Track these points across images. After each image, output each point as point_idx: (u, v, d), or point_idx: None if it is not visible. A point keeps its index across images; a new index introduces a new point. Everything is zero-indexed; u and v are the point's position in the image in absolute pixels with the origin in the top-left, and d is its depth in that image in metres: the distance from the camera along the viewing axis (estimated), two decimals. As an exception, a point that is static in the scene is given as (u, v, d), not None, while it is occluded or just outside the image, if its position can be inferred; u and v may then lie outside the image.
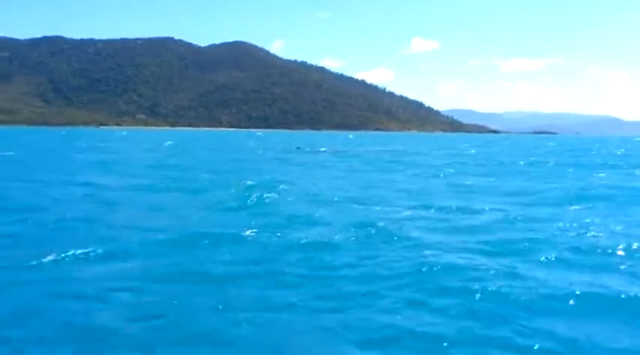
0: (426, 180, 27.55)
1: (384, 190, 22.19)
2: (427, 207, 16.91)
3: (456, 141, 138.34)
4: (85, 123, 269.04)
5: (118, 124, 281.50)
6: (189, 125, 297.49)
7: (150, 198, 19.11)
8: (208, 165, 36.52)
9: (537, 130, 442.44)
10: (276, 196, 18.54)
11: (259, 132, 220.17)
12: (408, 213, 15.96)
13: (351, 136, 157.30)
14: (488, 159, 49.10)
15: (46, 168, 31.96)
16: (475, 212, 16.25)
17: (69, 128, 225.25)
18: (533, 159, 49.53)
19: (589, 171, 34.85)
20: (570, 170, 35.66)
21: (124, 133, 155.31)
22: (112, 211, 16.15)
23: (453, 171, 34.20)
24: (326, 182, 25.45)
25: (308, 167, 36.89)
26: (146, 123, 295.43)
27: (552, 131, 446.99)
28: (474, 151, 68.96)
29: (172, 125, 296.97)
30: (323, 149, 64.87)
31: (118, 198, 19.09)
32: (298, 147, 68.53)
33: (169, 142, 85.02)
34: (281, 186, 21.10)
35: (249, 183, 21.97)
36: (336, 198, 18.42)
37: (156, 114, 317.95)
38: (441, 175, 30.59)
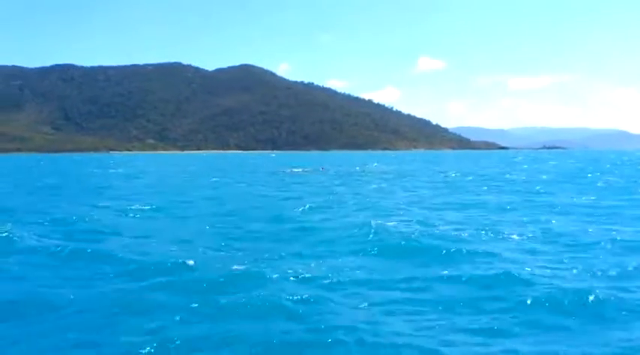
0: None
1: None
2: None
3: (488, 158, 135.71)
4: (96, 149, 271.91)
5: (127, 149, 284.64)
6: (198, 148, 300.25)
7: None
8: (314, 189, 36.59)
9: (546, 145, 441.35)
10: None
11: (273, 153, 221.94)
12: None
13: (375, 164, 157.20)
14: (570, 176, 49.50)
15: (100, 194, 33.36)
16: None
17: (82, 154, 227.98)
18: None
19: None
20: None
21: (140, 157, 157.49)
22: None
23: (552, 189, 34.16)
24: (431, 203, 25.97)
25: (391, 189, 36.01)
26: (155, 148, 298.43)
27: (561, 146, 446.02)
28: (526, 166, 70.92)
29: (182, 149, 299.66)
30: (377, 164, 66.01)
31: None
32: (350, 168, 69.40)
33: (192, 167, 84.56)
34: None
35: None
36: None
37: (165, 139, 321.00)
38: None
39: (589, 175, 45.24)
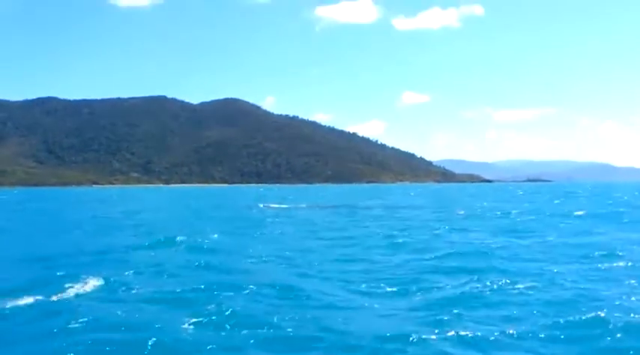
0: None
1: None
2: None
3: (485, 190, 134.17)
4: (79, 183, 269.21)
5: (110, 183, 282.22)
6: (183, 182, 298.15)
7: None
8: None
9: (531, 178, 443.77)
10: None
11: (261, 187, 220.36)
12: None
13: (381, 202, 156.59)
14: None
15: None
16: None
17: (66, 188, 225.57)
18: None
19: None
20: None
21: (132, 191, 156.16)
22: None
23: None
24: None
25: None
26: (139, 181, 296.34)
27: (545, 178, 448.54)
28: (557, 201, 68.69)
29: (166, 182, 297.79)
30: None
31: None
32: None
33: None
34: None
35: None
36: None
37: (149, 172, 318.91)
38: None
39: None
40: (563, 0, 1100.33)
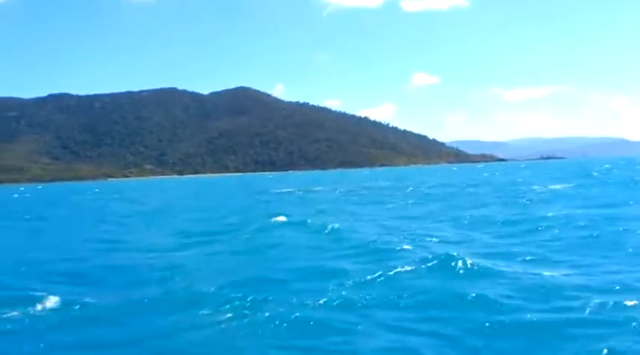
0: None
1: None
2: None
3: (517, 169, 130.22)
4: (94, 177, 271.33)
5: (125, 176, 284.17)
6: (196, 172, 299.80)
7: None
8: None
9: (544, 155, 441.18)
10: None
11: (271, 175, 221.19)
12: None
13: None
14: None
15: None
16: None
17: (82, 182, 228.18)
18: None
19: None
20: None
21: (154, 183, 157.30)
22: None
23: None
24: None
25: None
26: (153, 173, 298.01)
27: (559, 155, 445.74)
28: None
29: (180, 173, 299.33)
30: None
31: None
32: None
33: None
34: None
35: None
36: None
37: (163, 164, 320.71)
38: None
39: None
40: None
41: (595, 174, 69.86)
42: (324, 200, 47.12)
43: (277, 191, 68.89)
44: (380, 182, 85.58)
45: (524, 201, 34.33)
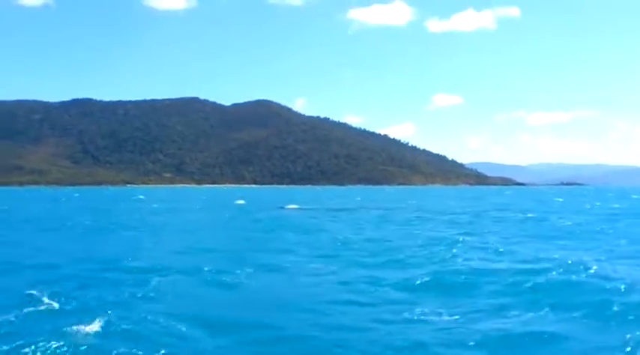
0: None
1: None
2: None
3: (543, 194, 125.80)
4: (113, 182, 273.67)
5: (144, 183, 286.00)
6: (214, 182, 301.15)
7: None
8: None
9: (564, 182, 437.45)
10: None
11: (287, 187, 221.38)
12: None
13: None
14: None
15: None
16: None
17: (104, 187, 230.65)
18: None
19: None
20: None
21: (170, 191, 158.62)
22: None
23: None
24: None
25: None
26: (172, 181, 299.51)
27: (579, 182, 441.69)
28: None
29: (198, 183, 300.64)
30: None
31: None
32: None
33: (241, 201, 79.53)
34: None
35: None
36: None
37: (182, 172, 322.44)
38: None
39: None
40: (600, 1, 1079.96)
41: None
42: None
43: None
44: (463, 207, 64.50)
45: None
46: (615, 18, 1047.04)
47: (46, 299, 12.47)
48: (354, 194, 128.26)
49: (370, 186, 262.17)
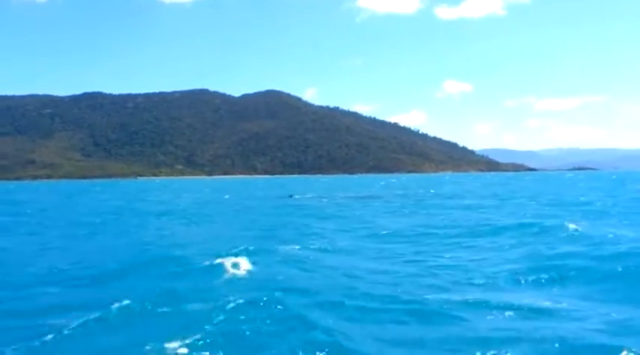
0: None
1: None
2: None
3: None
4: (124, 175, 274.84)
5: (155, 175, 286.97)
6: (225, 173, 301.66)
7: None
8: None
9: (576, 167, 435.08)
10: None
11: (300, 177, 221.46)
12: None
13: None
14: None
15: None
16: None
17: (116, 180, 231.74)
18: None
19: None
20: None
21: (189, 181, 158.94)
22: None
23: None
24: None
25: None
26: (183, 173, 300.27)
27: (591, 167, 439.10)
28: None
29: (209, 174, 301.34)
30: None
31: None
32: None
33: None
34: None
35: None
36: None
37: (193, 164, 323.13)
38: None
39: None
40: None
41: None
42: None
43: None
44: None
45: None
46: (625, 4, 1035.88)
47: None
48: (373, 182, 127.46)
49: (381, 175, 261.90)
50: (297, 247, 18.38)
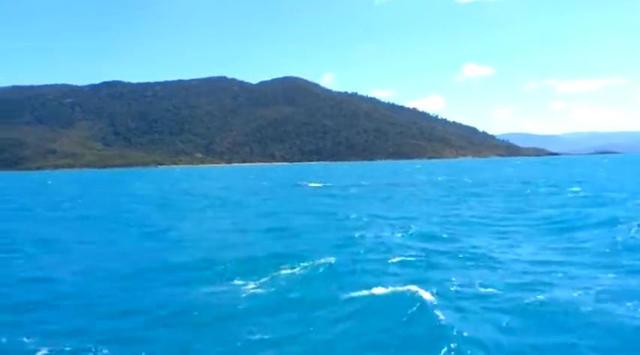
0: None
1: None
2: None
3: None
4: (145, 164, 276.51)
5: (174, 163, 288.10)
6: (244, 161, 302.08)
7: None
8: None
9: (599, 150, 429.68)
10: None
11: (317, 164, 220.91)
12: None
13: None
14: None
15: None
16: None
17: (137, 169, 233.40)
18: None
19: None
20: None
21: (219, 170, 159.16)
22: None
23: None
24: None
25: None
26: (202, 161, 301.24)
27: (614, 150, 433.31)
28: None
29: (228, 162, 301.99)
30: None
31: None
32: None
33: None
34: None
35: None
36: None
37: (212, 152, 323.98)
38: None
39: None
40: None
41: None
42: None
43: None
44: None
45: None
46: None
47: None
48: (402, 168, 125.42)
49: (401, 161, 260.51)
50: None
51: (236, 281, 12.89)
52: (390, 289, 11.11)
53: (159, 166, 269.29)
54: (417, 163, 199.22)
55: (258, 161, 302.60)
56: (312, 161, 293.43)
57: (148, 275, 14.02)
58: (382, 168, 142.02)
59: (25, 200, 49.35)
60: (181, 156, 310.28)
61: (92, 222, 28.06)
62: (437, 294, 10.73)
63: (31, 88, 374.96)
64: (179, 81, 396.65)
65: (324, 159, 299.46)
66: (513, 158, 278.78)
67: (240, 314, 10.58)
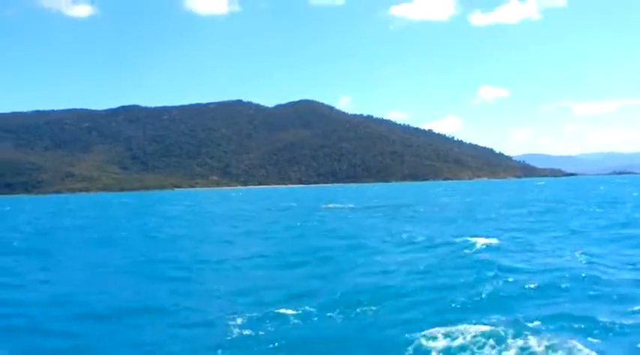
0: None
1: None
2: None
3: None
4: (161, 187, 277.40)
5: (191, 186, 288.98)
6: (260, 183, 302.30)
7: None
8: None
9: (616, 171, 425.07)
10: None
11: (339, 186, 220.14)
12: None
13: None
14: None
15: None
16: None
17: (154, 192, 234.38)
18: None
19: None
20: None
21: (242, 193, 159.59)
22: None
23: None
24: None
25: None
26: (219, 184, 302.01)
27: (632, 171, 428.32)
28: None
29: (244, 184, 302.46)
30: None
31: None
32: None
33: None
34: None
35: None
36: None
37: (228, 175, 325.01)
38: None
39: None
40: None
41: None
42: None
43: None
44: None
45: None
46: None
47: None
48: (422, 190, 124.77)
49: (416, 183, 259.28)
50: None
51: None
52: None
53: (175, 189, 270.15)
54: (439, 185, 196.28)
55: (274, 183, 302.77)
56: (328, 183, 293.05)
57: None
58: (407, 189, 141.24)
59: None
60: (198, 179, 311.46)
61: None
62: None
63: (50, 112, 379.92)
64: (196, 105, 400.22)
65: (340, 182, 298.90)
66: (535, 179, 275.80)
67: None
